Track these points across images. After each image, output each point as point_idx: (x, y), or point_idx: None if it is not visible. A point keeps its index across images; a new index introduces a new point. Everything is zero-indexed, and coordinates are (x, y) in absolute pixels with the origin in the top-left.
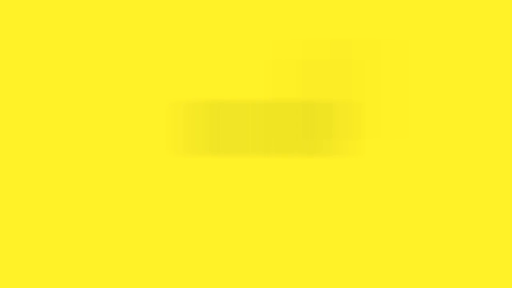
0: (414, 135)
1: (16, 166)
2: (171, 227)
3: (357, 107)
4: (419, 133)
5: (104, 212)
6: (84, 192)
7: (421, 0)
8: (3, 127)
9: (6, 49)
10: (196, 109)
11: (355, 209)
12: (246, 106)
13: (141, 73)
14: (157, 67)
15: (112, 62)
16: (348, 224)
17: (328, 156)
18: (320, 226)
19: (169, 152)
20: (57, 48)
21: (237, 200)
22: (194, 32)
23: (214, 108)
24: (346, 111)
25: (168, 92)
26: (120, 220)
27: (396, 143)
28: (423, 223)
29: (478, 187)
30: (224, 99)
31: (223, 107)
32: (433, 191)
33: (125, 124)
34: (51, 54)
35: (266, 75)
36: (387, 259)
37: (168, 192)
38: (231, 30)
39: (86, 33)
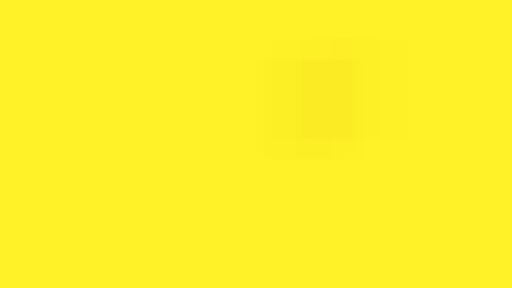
0: (414, 135)
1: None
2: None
3: (357, 106)
4: (419, 133)
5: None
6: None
7: (421, 0)
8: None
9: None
10: None
11: (356, 209)
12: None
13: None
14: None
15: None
16: (350, 223)
17: (327, 156)
18: (321, 226)
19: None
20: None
21: (235, 199)
22: (193, 33)
23: None
24: (347, 111)
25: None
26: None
27: (395, 143)
28: (423, 223)
29: (477, 186)
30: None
31: None
32: (432, 191)
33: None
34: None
35: (266, 75)
36: (387, 259)
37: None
38: (231, 30)
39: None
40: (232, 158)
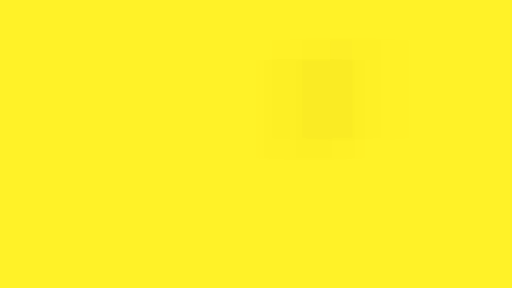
0: (414, 135)
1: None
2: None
3: (357, 106)
4: (419, 133)
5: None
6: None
7: (421, 0)
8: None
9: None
10: None
11: (356, 209)
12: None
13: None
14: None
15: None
16: (350, 223)
17: (327, 156)
18: (321, 225)
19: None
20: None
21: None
22: (193, 34)
23: None
24: (347, 111)
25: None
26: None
27: (395, 143)
28: (422, 223)
29: (477, 186)
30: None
31: None
32: (432, 191)
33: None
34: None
35: (266, 75)
36: (387, 258)
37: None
38: (231, 30)
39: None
40: (232, 158)
